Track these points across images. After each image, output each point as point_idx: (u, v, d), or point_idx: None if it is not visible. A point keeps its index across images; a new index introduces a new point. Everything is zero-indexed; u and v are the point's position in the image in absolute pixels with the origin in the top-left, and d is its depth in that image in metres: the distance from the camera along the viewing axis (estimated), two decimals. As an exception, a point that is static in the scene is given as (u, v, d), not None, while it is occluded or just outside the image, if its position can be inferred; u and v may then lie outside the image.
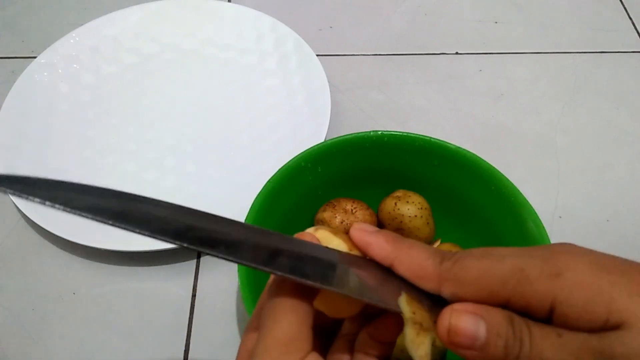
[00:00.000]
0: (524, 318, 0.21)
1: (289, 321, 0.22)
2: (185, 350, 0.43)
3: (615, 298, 0.20)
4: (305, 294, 0.23)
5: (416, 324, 0.22)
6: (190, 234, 0.21)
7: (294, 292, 0.23)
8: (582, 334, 0.20)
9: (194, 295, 0.46)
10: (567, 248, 0.22)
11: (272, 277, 0.24)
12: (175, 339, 0.43)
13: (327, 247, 0.24)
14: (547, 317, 0.21)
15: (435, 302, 0.23)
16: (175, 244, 0.20)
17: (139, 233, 0.20)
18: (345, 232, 0.26)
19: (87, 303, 0.45)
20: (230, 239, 0.22)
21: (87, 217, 0.20)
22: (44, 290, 0.46)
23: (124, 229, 0.20)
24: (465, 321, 0.21)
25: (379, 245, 0.24)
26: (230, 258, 0.21)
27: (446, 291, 0.22)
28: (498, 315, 0.21)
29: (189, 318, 0.44)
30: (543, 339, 0.20)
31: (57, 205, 0.20)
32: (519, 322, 0.21)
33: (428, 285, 0.23)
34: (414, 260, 0.23)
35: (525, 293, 0.21)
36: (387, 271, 0.24)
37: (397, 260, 0.23)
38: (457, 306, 0.22)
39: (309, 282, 0.22)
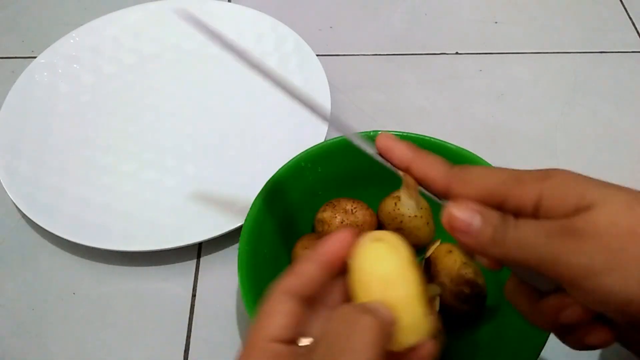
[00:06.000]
0: (512, 216, 0.25)
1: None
2: (185, 350, 0.43)
3: (588, 187, 0.24)
4: None
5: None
6: None
7: None
8: (557, 219, 0.23)
9: (194, 295, 0.46)
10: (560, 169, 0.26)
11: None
12: (175, 339, 0.43)
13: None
14: (534, 214, 0.24)
15: None
16: None
17: None
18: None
19: (87, 303, 0.45)
20: None
21: None
22: (44, 290, 0.46)
23: None
24: (462, 211, 0.25)
25: (401, 149, 0.28)
26: None
27: (453, 191, 0.26)
28: (491, 210, 0.25)
29: (189, 318, 0.44)
30: (525, 223, 0.24)
31: None
32: (508, 216, 0.25)
33: (439, 185, 0.27)
34: (428, 164, 0.27)
35: (517, 191, 0.25)
36: None
37: (414, 164, 0.28)
38: (458, 199, 0.26)
39: None
